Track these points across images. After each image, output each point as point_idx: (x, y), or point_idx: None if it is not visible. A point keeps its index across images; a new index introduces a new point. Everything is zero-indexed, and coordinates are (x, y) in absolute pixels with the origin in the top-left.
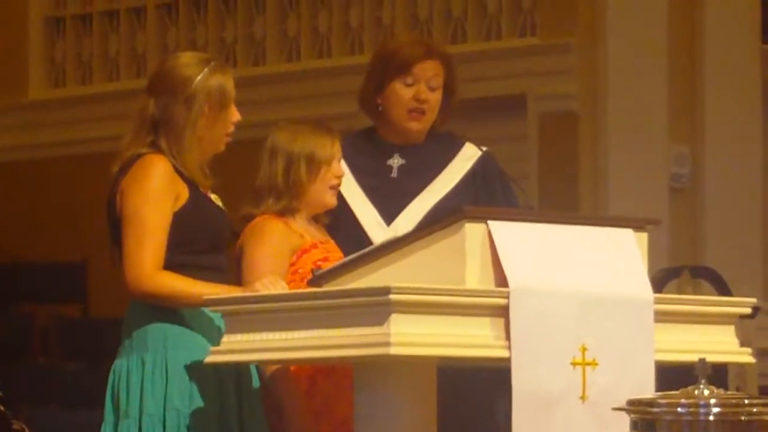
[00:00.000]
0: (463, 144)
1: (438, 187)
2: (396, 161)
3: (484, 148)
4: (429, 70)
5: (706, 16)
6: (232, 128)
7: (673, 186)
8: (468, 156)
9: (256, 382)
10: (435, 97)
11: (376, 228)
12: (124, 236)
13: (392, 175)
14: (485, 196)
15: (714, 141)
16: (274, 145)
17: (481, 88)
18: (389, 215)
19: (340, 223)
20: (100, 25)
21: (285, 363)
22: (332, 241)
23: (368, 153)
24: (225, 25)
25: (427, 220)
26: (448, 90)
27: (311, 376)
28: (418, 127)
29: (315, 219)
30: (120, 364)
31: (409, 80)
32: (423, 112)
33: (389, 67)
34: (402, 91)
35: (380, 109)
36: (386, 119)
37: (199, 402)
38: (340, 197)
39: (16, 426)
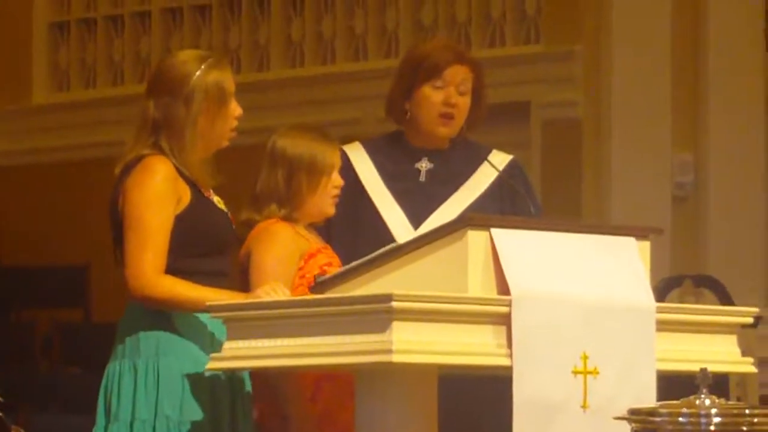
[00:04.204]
0: (490, 151)
1: (466, 194)
2: (424, 165)
3: (510, 158)
4: (459, 75)
5: (710, 24)
6: (235, 123)
7: (676, 194)
8: (496, 163)
9: (248, 388)
10: (464, 102)
11: (403, 231)
12: (126, 239)
13: (420, 179)
14: (510, 205)
15: (717, 149)
16: (275, 152)
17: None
18: (416, 219)
19: (364, 224)
20: (105, 29)
21: (286, 370)
22: (330, 247)
23: (396, 156)
24: (229, 30)
25: None
26: (477, 96)
27: (316, 382)
28: (446, 132)
29: (310, 224)
30: (112, 368)
31: (439, 84)
32: (452, 117)
33: (419, 71)
34: (432, 95)
35: (408, 115)
36: (414, 124)
37: (190, 410)
38: (367, 199)
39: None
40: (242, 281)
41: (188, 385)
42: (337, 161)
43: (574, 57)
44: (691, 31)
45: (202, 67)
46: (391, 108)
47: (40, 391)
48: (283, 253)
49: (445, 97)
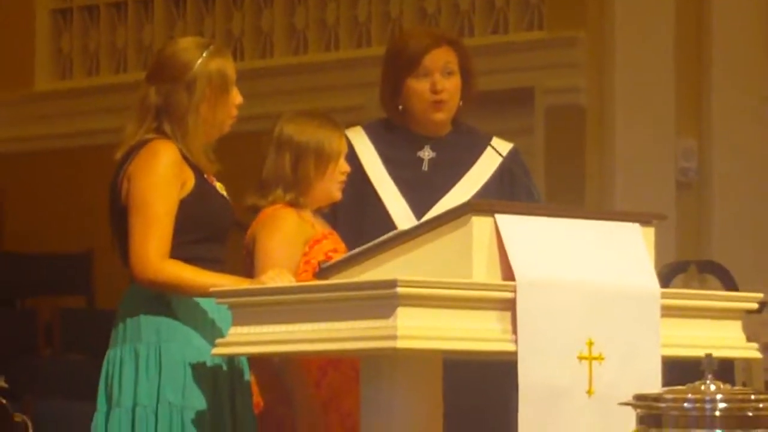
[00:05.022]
0: (490, 138)
1: (469, 184)
2: (427, 154)
3: (511, 145)
4: (439, 59)
5: (714, 9)
6: (235, 111)
7: (680, 180)
8: (497, 151)
9: (248, 377)
10: (452, 83)
11: (406, 222)
12: (131, 222)
13: (423, 168)
14: (510, 193)
15: (721, 135)
16: (282, 137)
17: (489, 81)
18: (420, 209)
19: (367, 213)
20: (108, 16)
21: (291, 355)
22: (335, 233)
23: (398, 144)
24: (232, 17)
25: None
26: (465, 73)
27: (322, 367)
28: (442, 117)
29: (316, 209)
30: (113, 354)
31: (422, 72)
32: (443, 102)
33: (399, 65)
34: (417, 86)
35: (401, 108)
36: (410, 116)
37: (192, 396)
38: (370, 187)
39: (17, 419)
40: (248, 266)
41: (190, 372)
42: (344, 147)
43: (577, 43)
44: (694, 16)
45: (204, 54)
46: (385, 107)
47: (43, 378)
48: (288, 239)
49: (432, 85)
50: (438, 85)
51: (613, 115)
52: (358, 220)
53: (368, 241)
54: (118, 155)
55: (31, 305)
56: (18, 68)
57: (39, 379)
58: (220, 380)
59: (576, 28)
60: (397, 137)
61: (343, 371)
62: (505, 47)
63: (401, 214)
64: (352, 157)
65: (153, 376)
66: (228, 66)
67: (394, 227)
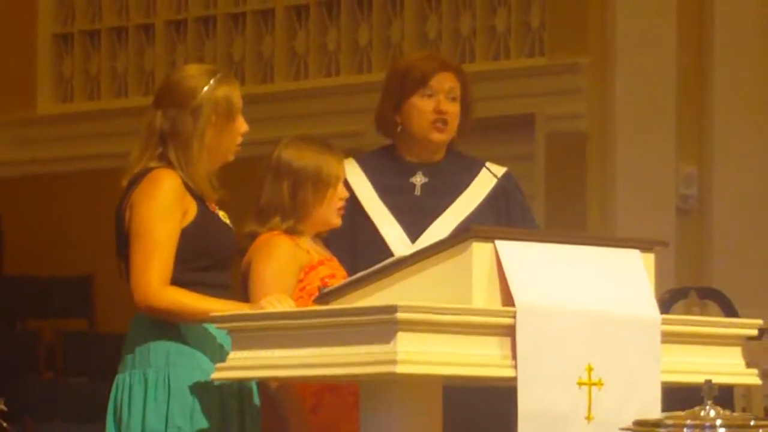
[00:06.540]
0: (484, 163)
1: (462, 207)
2: (419, 179)
3: (505, 168)
4: (446, 82)
5: (716, 36)
6: (240, 139)
7: (680, 206)
8: (490, 175)
9: (257, 400)
10: (455, 108)
11: (401, 246)
12: (132, 250)
13: (415, 193)
14: (506, 217)
15: (722, 162)
16: (280, 163)
17: (490, 107)
18: (413, 233)
19: (361, 240)
20: (109, 41)
21: (291, 380)
22: (335, 259)
23: (390, 171)
24: (233, 42)
25: None
26: (465, 103)
27: (318, 393)
28: (441, 138)
29: (316, 235)
30: (122, 379)
31: (428, 92)
32: (446, 123)
33: (406, 82)
34: (422, 104)
35: (399, 128)
36: (407, 136)
37: (201, 420)
38: (363, 214)
39: None
40: (243, 292)
41: (199, 396)
42: (343, 172)
43: (578, 69)
44: (696, 42)
45: (211, 81)
46: (381, 123)
47: (44, 401)
48: (282, 266)
49: (436, 105)
50: (442, 105)
51: (614, 141)
52: (350, 249)
53: (363, 267)
54: (123, 182)
55: (33, 328)
56: (19, 92)
57: (40, 402)
58: (228, 404)
59: (577, 54)
60: (389, 165)
61: (342, 396)
62: (506, 73)
63: (395, 237)
64: (345, 187)
65: (162, 400)
66: (234, 94)
67: (388, 251)
